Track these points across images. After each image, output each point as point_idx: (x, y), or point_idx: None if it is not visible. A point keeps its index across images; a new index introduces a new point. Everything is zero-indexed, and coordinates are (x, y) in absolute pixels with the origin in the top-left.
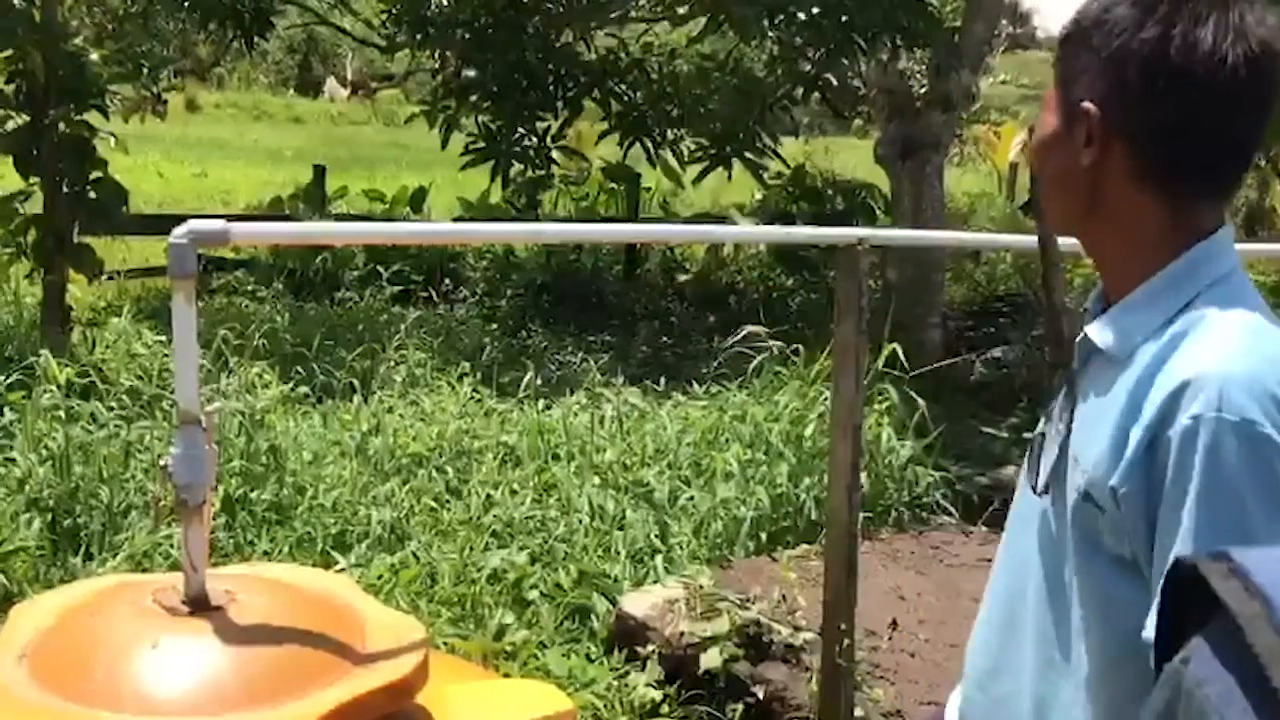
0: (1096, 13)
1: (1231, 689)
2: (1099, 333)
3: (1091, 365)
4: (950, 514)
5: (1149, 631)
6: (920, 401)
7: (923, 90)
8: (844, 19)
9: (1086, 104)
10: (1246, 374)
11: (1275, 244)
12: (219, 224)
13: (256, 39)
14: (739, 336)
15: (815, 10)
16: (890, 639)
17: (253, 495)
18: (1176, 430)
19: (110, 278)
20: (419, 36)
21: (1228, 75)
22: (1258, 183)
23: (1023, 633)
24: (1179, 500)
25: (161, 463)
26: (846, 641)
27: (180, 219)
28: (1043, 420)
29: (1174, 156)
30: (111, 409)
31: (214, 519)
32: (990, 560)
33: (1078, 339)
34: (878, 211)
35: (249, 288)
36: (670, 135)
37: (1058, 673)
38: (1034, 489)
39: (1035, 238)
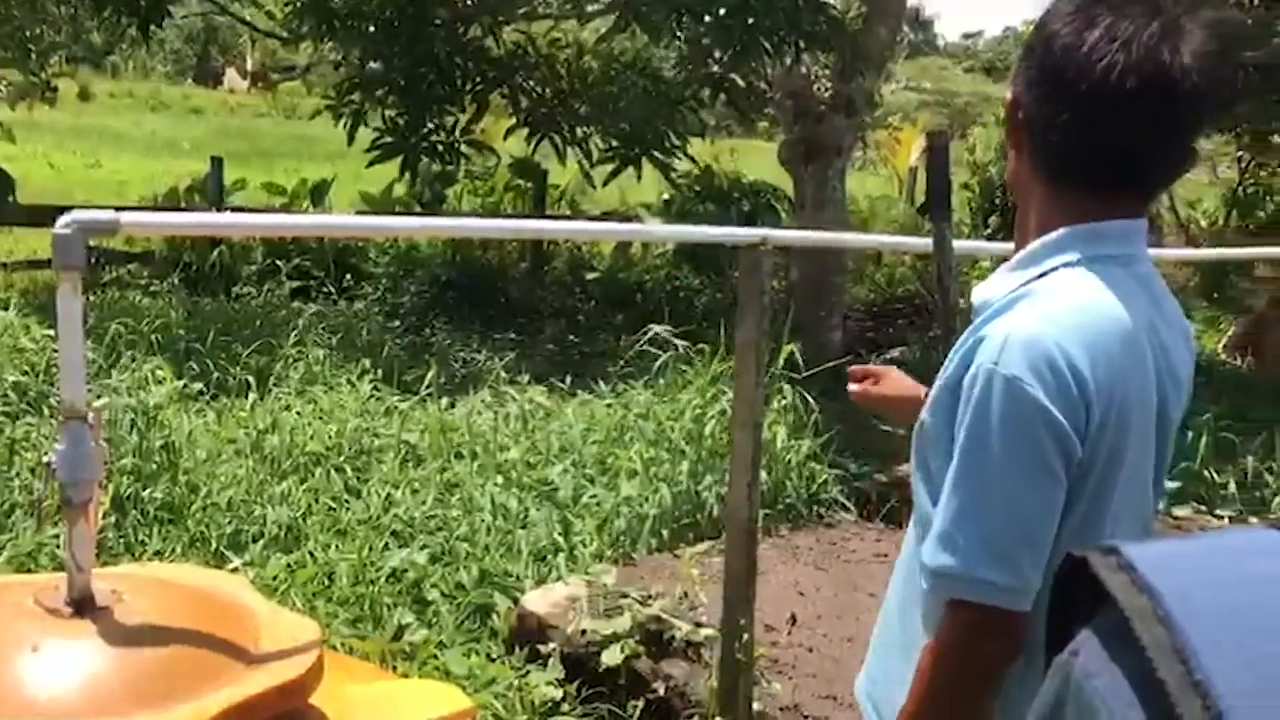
0: (1043, 14)
1: (1119, 681)
2: (975, 291)
3: (974, 317)
4: (848, 510)
5: (923, 555)
6: (815, 403)
7: (826, 94)
8: (750, 21)
9: (1007, 94)
10: (1030, 337)
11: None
12: (108, 214)
13: (153, 27)
14: (645, 336)
15: (722, 11)
16: (789, 634)
17: (144, 494)
18: (968, 378)
19: None
20: (323, 28)
21: (1115, 85)
22: None
23: (901, 552)
24: (957, 436)
25: (46, 460)
26: (745, 636)
27: (70, 210)
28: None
29: (1059, 150)
30: None
31: (103, 518)
32: (887, 555)
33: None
34: (782, 213)
35: (143, 281)
36: (579, 133)
37: (913, 574)
38: None
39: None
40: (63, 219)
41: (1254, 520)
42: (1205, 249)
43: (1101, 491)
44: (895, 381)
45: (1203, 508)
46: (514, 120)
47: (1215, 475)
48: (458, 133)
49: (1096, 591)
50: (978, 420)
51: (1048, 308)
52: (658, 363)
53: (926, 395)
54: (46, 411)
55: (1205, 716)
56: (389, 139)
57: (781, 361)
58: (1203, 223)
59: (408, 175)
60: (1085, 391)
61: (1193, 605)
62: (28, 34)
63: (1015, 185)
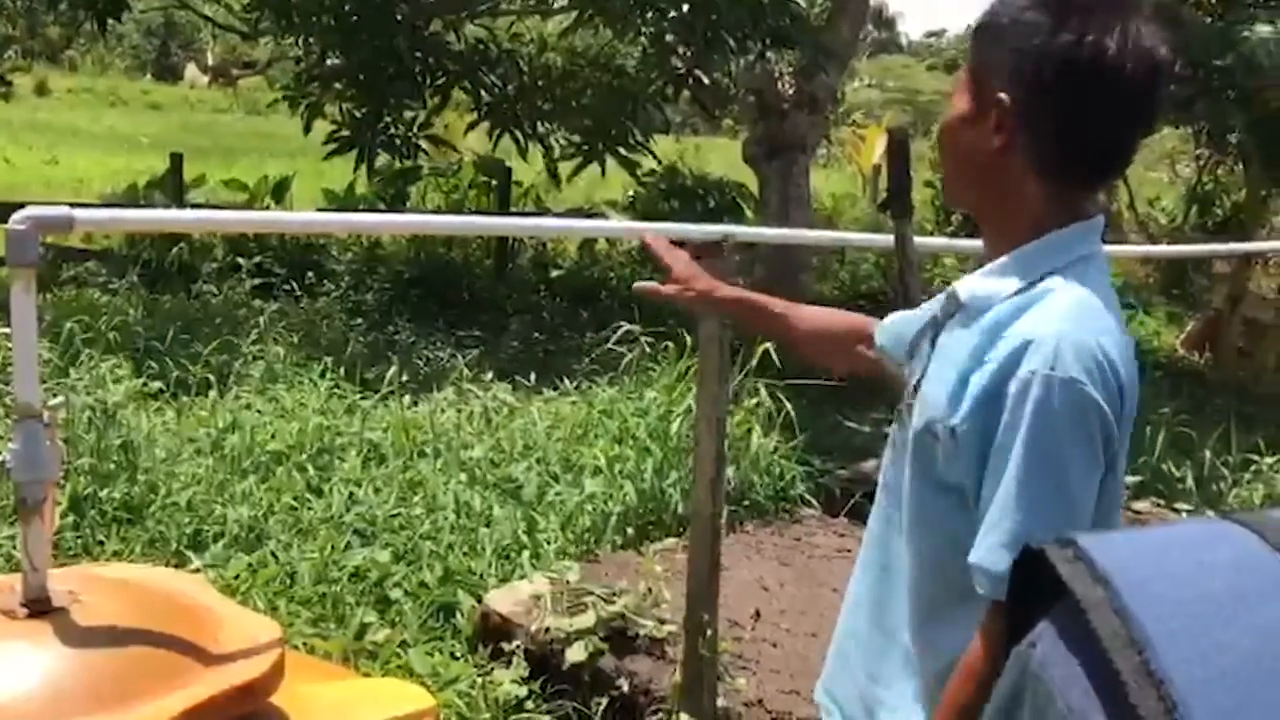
0: (1014, 13)
1: (1075, 671)
2: (964, 288)
3: (953, 319)
4: (813, 506)
5: (974, 556)
6: (785, 400)
7: (790, 91)
8: (714, 17)
9: (1002, 95)
10: (1077, 340)
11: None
12: (62, 210)
13: (111, 21)
14: (614, 334)
15: (685, 7)
16: (753, 629)
17: (102, 494)
18: (1016, 383)
19: None
20: (283, 22)
21: (1127, 80)
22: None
23: (870, 552)
24: (1010, 442)
25: (0, 459)
26: (709, 632)
27: (25, 207)
28: (911, 363)
29: (1069, 149)
30: None
31: (61, 518)
32: (850, 550)
33: (946, 293)
34: (747, 210)
35: (101, 279)
36: (541, 129)
37: (888, 574)
38: (897, 423)
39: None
40: (16, 215)
41: (1210, 513)
42: (1164, 246)
43: (1115, 482)
44: (685, 269)
45: (1161, 501)
46: (475, 116)
47: (1174, 469)
48: (416, 128)
49: (1054, 583)
50: (1041, 423)
51: (1080, 308)
52: (624, 360)
53: (715, 292)
54: (3, 412)
55: (1160, 707)
56: (345, 132)
57: (755, 360)
58: (1162, 220)
59: (365, 171)
60: (1121, 387)
61: (1147, 595)
62: None
63: (992, 183)
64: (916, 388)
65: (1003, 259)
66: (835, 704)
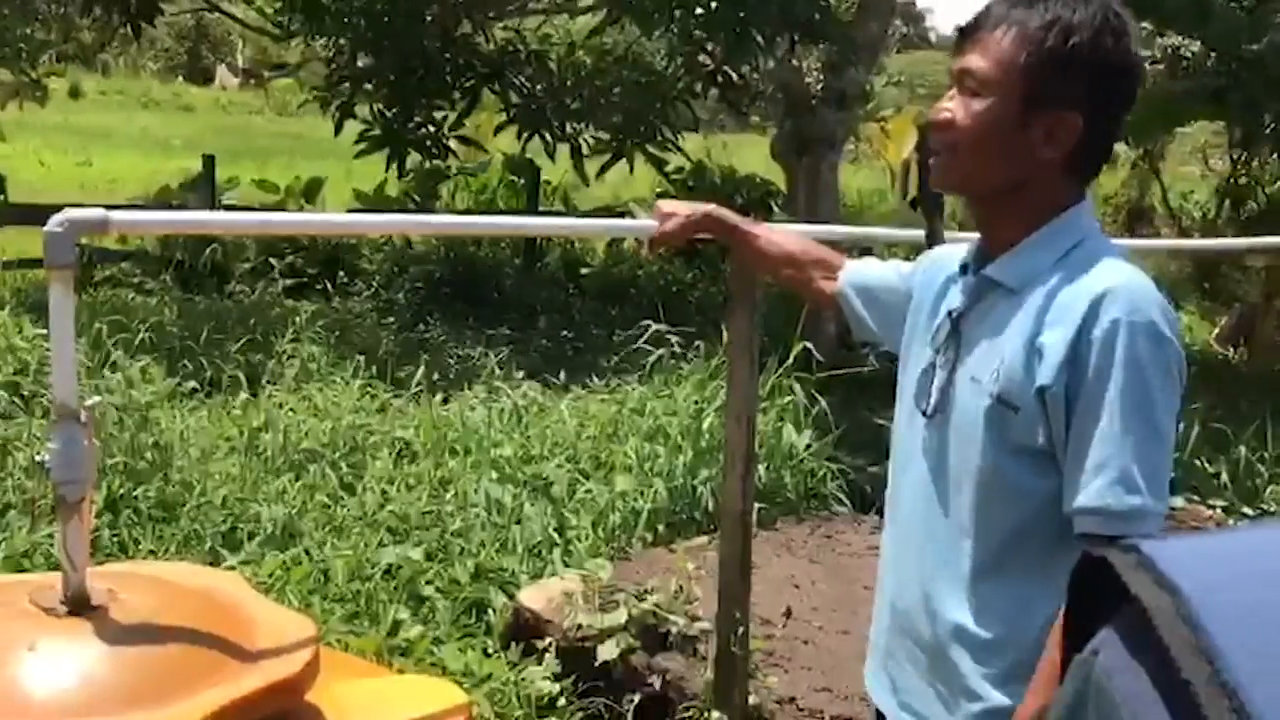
0: (1090, 36)
1: (1142, 681)
2: (998, 271)
3: (983, 302)
4: (844, 504)
5: (1071, 504)
6: (818, 398)
7: (818, 87)
8: (742, 14)
9: (1071, 115)
10: (1148, 289)
11: (1153, 240)
12: (98, 212)
13: (143, 25)
14: (644, 334)
15: (714, 4)
16: (784, 627)
17: (137, 493)
18: (1099, 332)
19: None
20: (313, 24)
21: (1135, 93)
22: (1137, 182)
23: (917, 541)
24: (1101, 388)
25: (39, 459)
26: (741, 630)
27: (61, 209)
28: (931, 355)
29: (1103, 155)
30: None
31: (97, 517)
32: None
33: (965, 281)
34: (775, 207)
35: (135, 280)
36: (569, 130)
37: (942, 568)
38: (924, 413)
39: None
40: (54, 218)
41: (1247, 510)
42: (1197, 240)
43: None
44: (676, 207)
45: (1195, 498)
46: (505, 116)
47: (1208, 465)
48: (446, 128)
49: (1116, 589)
50: (1132, 367)
51: (1124, 266)
52: (652, 358)
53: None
54: (39, 411)
55: (1233, 718)
56: (376, 132)
57: (792, 358)
58: (1195, 215)
59: (395, 171)
60: (1179, 330)
61: (1215, 604)
62: (18, 33)
63: (1021, 180)
64: (950, 379)
65: (1029, 239)
66: (914, 714)
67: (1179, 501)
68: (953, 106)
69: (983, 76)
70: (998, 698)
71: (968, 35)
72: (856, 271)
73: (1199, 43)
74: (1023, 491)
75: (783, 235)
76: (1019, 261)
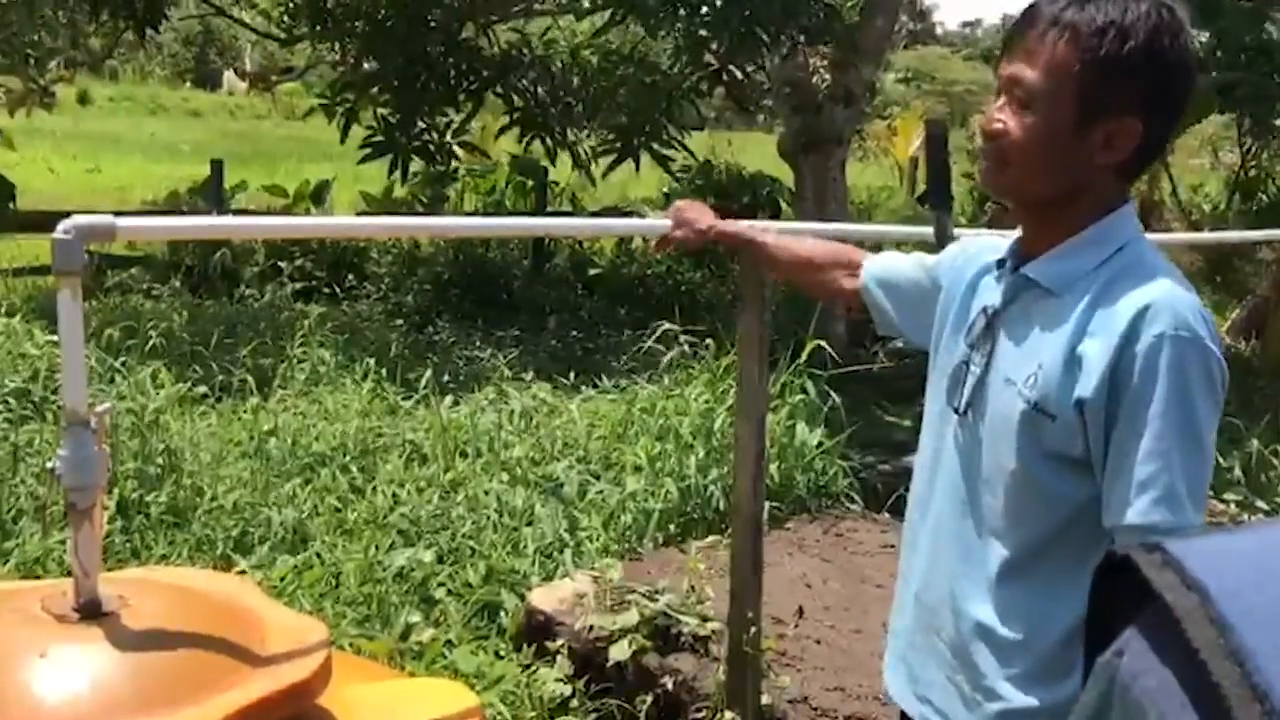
0: (1145, 40)
1: (1169, 683)
2: (1038, 272)
3: (1020, 301)
4: (856, 502)
5: (1115, 521)
6: (830, 396)
7: (825, 85)
8: (747, 12)
9: (1132, 120)
10: (1191, 300)
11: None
12: (105, 218)
13: (150, 30)
14: (653, 334)
15: (719, 2)
16: (797, 626)
17: (149, 498)
18: (1142, 347)
19: None
20: (318, 28)
21: (1195, 80)
22: (1148, 176)
23: (946, 538)
24: (1144, 403)
25: (49, 466)
26: (753, 630)
27: (70, 216)
28: (965, 351)
29: (1156, 156)
30: None
31: (109, 523)
32: (894, 546)
33: (1003, 277)
34: (783, 205)
35: (145, 285)
36: (571, 135)
37: (969, 565)
38: (955, 410)
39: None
40: (61, 224)
41: (1261, 504)
42: (1208, 234)
43: None
44: (694, 211)
45: (1210, 492)
46: (507, 120)
47: (1221, 459)
48: (450, 133)
49: (1139, 590)
50: (1177, 383)
51: (1175, 275)
52: (664, 359)
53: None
54: (50, 417)
55: None
56: (380, 138)
57: (805, 356)
58: (1205, 207)
59: (399, 174)
60: (1220, 342)
61: (1244, 604)
62: (25, 40)
63: (1074, 184)
64: (984, 377)
65: (1071, 241)
66: (933, 708)
67: None
68: (1004, 118)
69: (1035, 87)
70: (1018, 699)
71: (1015, 40)
72: (879, 265)
73: (1206, 34)
74: (1054, 497)
75: (795, 240)
76: (1061, 264)
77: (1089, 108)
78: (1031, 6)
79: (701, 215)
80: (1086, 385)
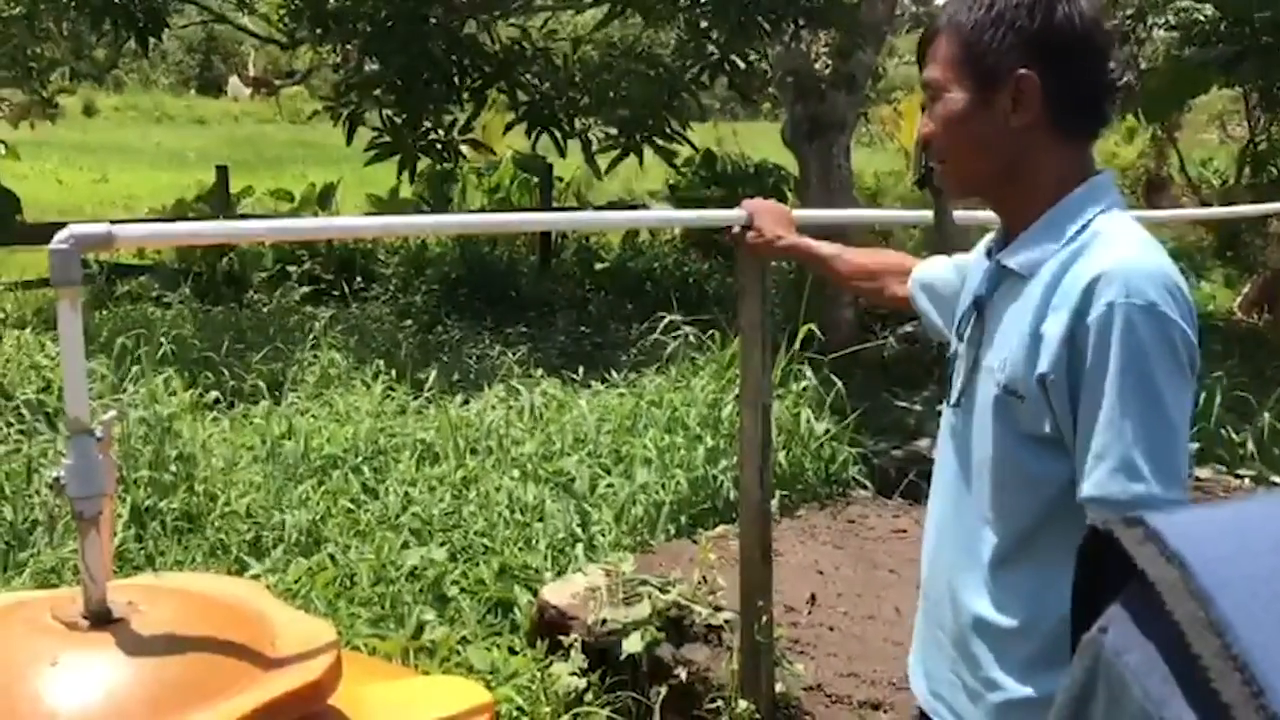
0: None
1: (1152, 657)
2: (1010, 257)
3: (1000, 289)
4: (866, 488)
5: (1083, 493)
6: (837, 381)
7: (827, 71)
8: (746, 1)
9: (1023, 71)
10: (1146, 267)
11: (1173, 210)
12: (102, 226)
13: (152, 39)
14: (658, 325)
15: None
16: (809, 613)
17: (163, 504)
18: (1094, 317)
19: (9, 289)
20: (319, 31)
21: (1098, 34)
22: (1155, 152)
23: (946, 531)
24: (1100, 374)
25: (55, 476)
26: (765, 618)
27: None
28: (955, 343)
29: (1085, 107)
30: (11, 424)
31: (123, 530)
32: (906, 531)
33: (987, 267)
34: (788, 193)
35: (154, 293)
36: (578, 125)
37: (966, 556)
38: (948, 402)
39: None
40: (59, 234)
41: (1276, 479)
42: (1217, 208)
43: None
44: (775, 219)
45: (1223, 468)
46: (512, 115)
47: (1233, 434)
48: (455, 131)
49: (1123, 565)
50: (1128, 351)
51: (1132, 243)
52: (668, 350)
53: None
54: (62, 428)
55: (1245, 691)
56: (386, 139)
57: (799, 342)
58: (1214, 182)
59: (406, 175)
60: (1193, 312)
61: (1225, 575)
62: (28, 52)
63: (1014, 160)
64: (975, 366)
65: (1038, 223)
66: (945, 705)
67: (1206, 472)
68: (927, 120)
69: (938, 82)
70: (1015, 689)
71: (923, 53)
72: (921, 270)
73: (1210, 6)
74: (1035, 480)
75: (854, 251)
76: (1028, 247)
77: (981, 77)
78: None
79: (778, 222)
80: (1045, 361)
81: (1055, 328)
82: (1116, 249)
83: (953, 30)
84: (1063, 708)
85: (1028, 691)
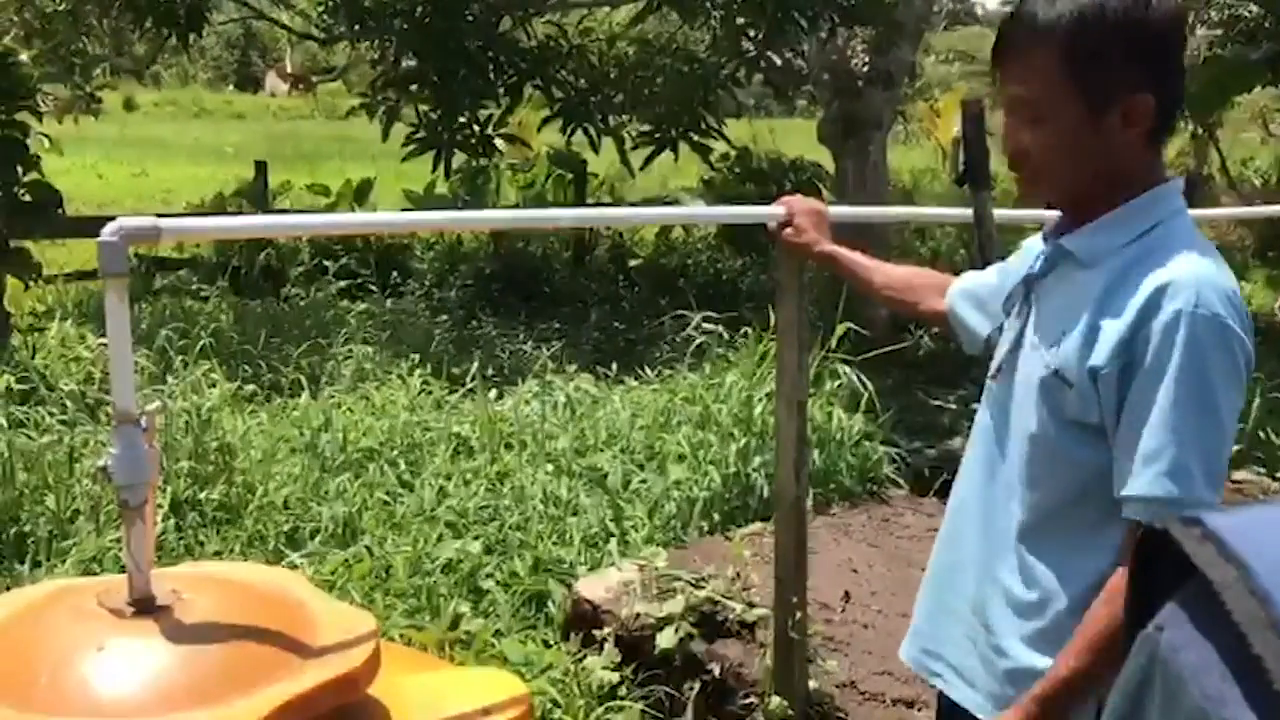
0: (1118, 15)
1: (1210, 656)
2: (1074, 243)
3: (1055, 271)
4: (900, 487)
5: (1122, 491)
6: (867, 381)
7: (863, 68)
8: None
9: (1138, 96)
10: (1215, 280)
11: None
12: (149, 220)
13: (192, 35)
14: (691, 323)
15: None
16: (843, 611)
17: (202, 495)
18: (1160, 321)
19: (50, 281)
20: (356, 27)
21: (1184, 46)
22: (1195, 151)
23: (975, 498)
24: (1157, 377)
25: (100, 464)
26: (799, 615)
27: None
28: (1004, 317)
29: (1173, 116)
30: (54, 414)
31: (163, 520)
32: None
33: (1044, 249)
34: (824, 191)
35: (193, 287)
36: (613, 121)
37: (992, 524)
38: (989, 374)
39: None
40: (108, 227)
41: None
42: (1259, 207)
43: None
44: (812, 219)
45: (1262, 470)
46: (549, 111)
47: (1273, 436)
48: (491, 126)
49: (1179, 564)
50: (1192, 358)
51: (1204, 253)
52: (701, 346)
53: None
54: (104, 419)
55: None
56: (422, 134)
57: (835, 341)
58: (1255, 181)
59: (442, 170)
60: (1250, 325)
61: None
62: (72, 49)
63: (1108, 167)
64: (1019, 341)
65: (1108, 216)
66: (945, 664)
67: (1244, 474)
68: (1021, 137)
69: (1036, 100)
70: (1025, 658)
71: (1001, 58)
72: (960, 281)
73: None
74: (1072, 462)
75: (891, 266)
76: (1094, 238)
77: (1092, 98)
78: (1002, 25)
79: (818, 224)
80: (1101, 355)
81: (1116, 325)
82: (1187, 258)
83: (1052, 45)
84: (1118, 703)
85: (1036, 662)
